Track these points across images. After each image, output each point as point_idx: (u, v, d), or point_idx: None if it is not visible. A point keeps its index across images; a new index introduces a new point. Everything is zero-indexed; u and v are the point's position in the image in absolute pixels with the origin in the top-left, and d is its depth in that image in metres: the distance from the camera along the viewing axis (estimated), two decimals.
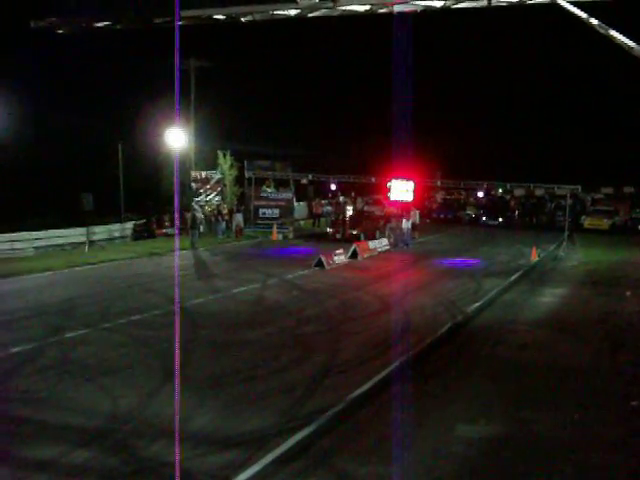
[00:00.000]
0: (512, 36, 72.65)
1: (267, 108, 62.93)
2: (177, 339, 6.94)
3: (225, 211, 39.63)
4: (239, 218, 38.58)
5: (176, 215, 38.11)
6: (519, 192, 51.33)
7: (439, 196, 64.19)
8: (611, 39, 15.32)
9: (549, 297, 20.83)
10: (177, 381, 6.79)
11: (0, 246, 29.01)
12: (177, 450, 6.85)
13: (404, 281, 23.48)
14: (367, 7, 16.80)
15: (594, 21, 15.22)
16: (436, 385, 11.56)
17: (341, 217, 37.49)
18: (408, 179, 37.24)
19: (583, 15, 15.18)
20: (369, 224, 36.12)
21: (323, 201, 50.20)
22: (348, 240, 33.04)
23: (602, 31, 15.21)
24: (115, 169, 42.27)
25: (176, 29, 6.56)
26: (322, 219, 45.78)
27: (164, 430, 9.08)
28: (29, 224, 33.72)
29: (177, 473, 6.89)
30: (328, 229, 37.64)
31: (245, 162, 42.53)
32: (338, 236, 35.23)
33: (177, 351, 6.87)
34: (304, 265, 25.80)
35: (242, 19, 17.74)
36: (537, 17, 48.23)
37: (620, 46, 15.17)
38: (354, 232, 34.86)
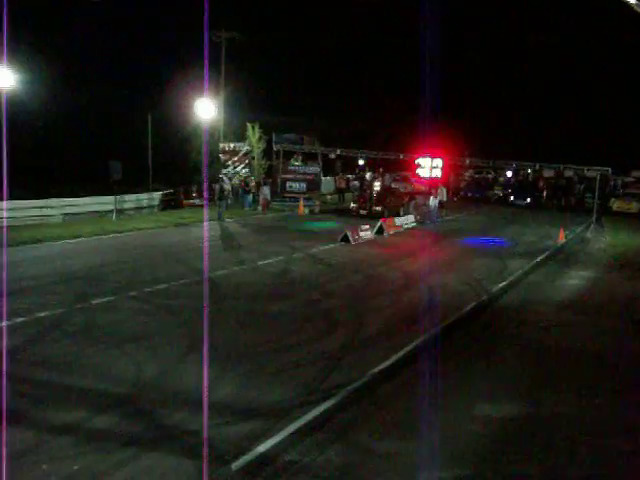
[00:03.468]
0: (545, 14, 71.62)
1: (297, 81, 62.85)
2: (205, 309, 7.00)
3: (252, 183, 39.64)
4: (266, 191, 38.61)
5: (204, 186, 38.38)
6: (548, 173, 50.71)
7: (467, 175, 63.72)
8: None
9: (575, 279, 20.66)
10: (205, 350, 6.85)
11: (29, 212, 29.24)
12: (205, 415, 6.92)
13: (429, 258, 23.42)
14: None
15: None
16: (458, 363, 11.55)
17: (367, 193, 37.29)
18: (437, 156, 36.95)
19: None
20: (393, 201, 35.93)
21: (350, 176, 49.96)
22: (372, 216, 32.97)
23: (639, 10, 14.95)
24: (144, 139, 42.45)
25: None
26: (347, 194, 45.66)
27: (187, 398, 9.20)
28: (58, 191, 33.92)
29: (204, 441, 6.98)
30: (352, 204, 37.46)
31: (273, 135, 42.46)
32: (363, 212, 35.11)
33: (205, 320, 6.93)
34: (330, 239, 25.81)
35: None
36: None
37: None
38: (378, 208, 34.75)
